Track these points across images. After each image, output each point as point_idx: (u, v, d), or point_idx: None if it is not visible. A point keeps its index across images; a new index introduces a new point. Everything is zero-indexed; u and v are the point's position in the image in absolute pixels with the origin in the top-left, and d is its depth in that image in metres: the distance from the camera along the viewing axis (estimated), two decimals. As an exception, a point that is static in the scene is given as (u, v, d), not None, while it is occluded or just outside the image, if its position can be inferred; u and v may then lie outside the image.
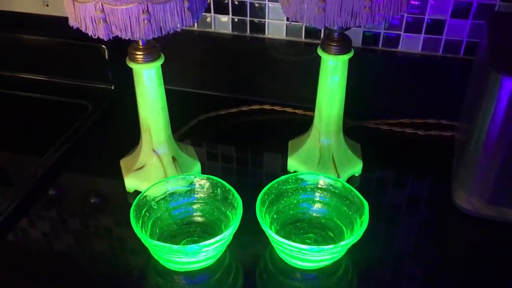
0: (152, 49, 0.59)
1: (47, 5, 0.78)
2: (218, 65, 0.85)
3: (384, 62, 0.78)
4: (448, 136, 0.76)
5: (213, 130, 0.80)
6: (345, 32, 0.61)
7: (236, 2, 0.79)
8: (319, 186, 0.61)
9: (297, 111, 0.82)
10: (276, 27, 0.80)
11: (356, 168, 0.69)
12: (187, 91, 0.87)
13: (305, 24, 0.54)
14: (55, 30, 0.79)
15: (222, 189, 0.60)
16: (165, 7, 0.51)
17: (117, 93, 0.84)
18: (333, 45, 0.61)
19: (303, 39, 0.80)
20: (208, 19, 0.82)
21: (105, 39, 0.52)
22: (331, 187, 0.61)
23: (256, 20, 0.80)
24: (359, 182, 0.69)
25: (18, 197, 0.65)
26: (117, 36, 0.52)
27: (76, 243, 0.61)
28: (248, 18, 0.81)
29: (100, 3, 0.50)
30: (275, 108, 0.83)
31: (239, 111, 0.82)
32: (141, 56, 0.59)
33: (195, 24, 0.83)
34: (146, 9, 0.50)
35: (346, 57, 0.61)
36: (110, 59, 0.82)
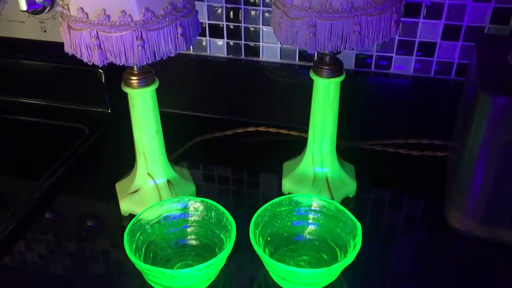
0: (147, 74, 0.60)
1: (45, 31, 0.79)
2: (214, 87, 0.86)
3: (377, 84, 0.79)
4: (442, 157, 0.77)
5: (209, 152, 0.80)
6: (337, 56, 0.62)
7: (232, 27, 0.80)
8: (313, 208, 0.61)
9: (291, 132, 0.83)
10: (270, 50, 0.82)
11: (350, 189, 0.69)
12: (183, 113, 0.88)
13: (296, 48, 0.55)
14: (53, 55, 0.80)
15: (216, 212, 0.60)
16: (159, 34, 0.52)
17: (113, 116, 0.85)
18: (325, 68, 0.62)
19: (296, 61, 0.82)
20: (204, 43, 0.83)
21: (99, 65, 0.53)
22: (324, 209, 0.61)
23: (251, 43, 0.82)
24: (353, 203, 0.70)
25: (14, 221, 0.65)
26: (112, 62, 0.53)
27: (72, 266, 0.61)
28: (243, 42, 0.82)
29: (95, 30, 0.51)
30: (270, 129, 0.84)
31: (235, 133, 0.83)
32: (135, 81, 0.60)
33: (191, 47, 0.84)
34: (140, 36, 0.52)
35: (338, 80, 0.62)
36: (107, 83, 0.83)
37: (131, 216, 0.66)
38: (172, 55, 0.55)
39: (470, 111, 0.59)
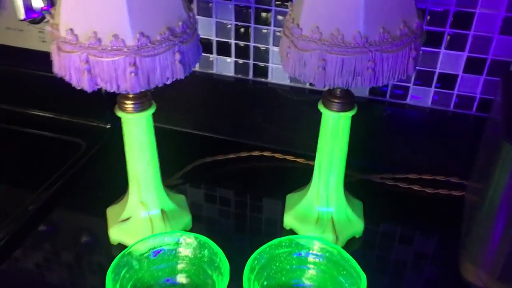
0: (143, 98, 0.56)
1: (44, 41, 0.75)
2: (219, 106, 0.81)
3: (392, 114, 0.74)
4: (458, 196, 0.72)
5: (208, 177, 0.76)
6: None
7: (241, 45, 0.76)
8: (314, 251, 0.57)
9: (298, 159, 0.78)
10: (279, 72, 0.77)
11: (357, 229, 0.65)
12: (183, 131, 0.84)
13: (304, 82, 0.50)
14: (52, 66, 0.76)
15: (210, 250, 0.56)
16: (154, 61, 0.48)
17: (113, 132, 0.81)
18: (335, 102, 0.57)
19: (307, 85, 0.77)
20: (211, 59, 0.79)
21: (88, 91, 0.49)
22: (327, 253, 0.56)
23: (260, 63, 0.77)
24: (359, 244, 0.65)
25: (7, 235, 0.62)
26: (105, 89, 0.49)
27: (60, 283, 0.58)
28: (251, 61, 0.77)
29: (85, 54, 0.47)
30: (276, 155, 0.79)
31: (238, 157, 0.79)
32: (130, 106, 0.56)
33: (197, 64, 0.80)
34: (133, 62, 0.47)
35: (349, 115, 0.58)
36: (108, 97, 0.79)
37: (120, 246, 0.62)
38: (168, 82, 0.50)
39: (493, 156, 0.53)
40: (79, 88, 0.50)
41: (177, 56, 0.49)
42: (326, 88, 0.56)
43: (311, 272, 0.57)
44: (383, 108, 0.74)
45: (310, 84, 0.77)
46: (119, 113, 0.56)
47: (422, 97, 0.72)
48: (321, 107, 0.58)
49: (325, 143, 0.60)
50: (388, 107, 0.74)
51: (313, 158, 0.76)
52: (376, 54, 0.47)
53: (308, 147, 0.77)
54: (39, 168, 0.76)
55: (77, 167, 0.75)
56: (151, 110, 0.57)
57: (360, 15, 0.46)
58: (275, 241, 0.56)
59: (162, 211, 0.63)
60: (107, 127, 0.82)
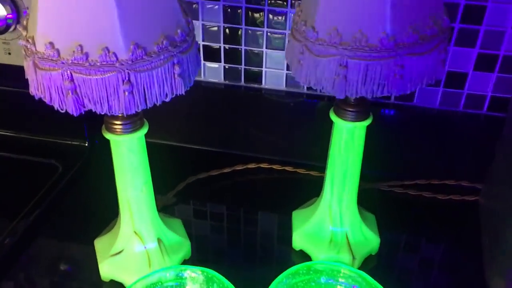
0: (134, 117, 0.49)
1: (9, 53, 0.67)
2: (208, 117, 0.75)
3: (397, 117, 0.69)
4: (471, 201, 0.67)
5: (203, 195, 0.69)
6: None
7: (232, 48, 0.69)
8: (339, 280, 0.51)
9: (298, 170, 0.72)
10: (274, 76, 0.71)
11: (373, 246, 0.59)
12: (172, 145, 0.77)
13: (321, 91, 0.44)
14: (20, 80, 0.68)
15: (219, 285, 0.50)
16: (151, 76, 0.41)
17: (92, 151, 0.74)
18: (349, 111, 0.51)
19: (305, 90, 0.71)
20: (197, 67, 0.72)
21: (75, 115, 0.42)
22: (350, 280, 0.51)
23: (252, 68, 0.71)
24: (376, 261, 0.60)
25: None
26: (91, 110, 0.42)
27: None
28: (243, 66, 0.71)
29: (68, 71, 0.40)
30: (274, 167, 0.73)
31: (233, 171, 0.72)
32: (120, 127, 0.48)
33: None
34: (127, 78, 0.40)
35: (364, 124, 0.52)
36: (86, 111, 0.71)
37: (113, 283, 0.55)
38: (167, 100, 0.43)
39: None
40: (62, 111, 0.42)
41: (177, 69, 0.42)
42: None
43: (333, 300, 0.52)
44: (388, 111, 0.69)
45: (308, 88, 0.71)
46: (108, 135, 0.49)
47: (430, 98, 0.68)
48: (333, 117, 0.53)
49: (338, 155, 0.55)
50: (392, 110, 0.69)
51: (314, 167, 0.71)
52: (405, 58, 0.42)
53: (308, 156, 0.72)
54: (12, 196, 0.67)
55: (54, 193, 0.67)
56: (144, 130, 0.50)
57: (386, 13, 0.41)
58: (292, 269, 0.51)
59: (159, 241, 0.56)
60: (85, 145, 0.74)
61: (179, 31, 0.42)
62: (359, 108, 0.51)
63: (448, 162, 0.70)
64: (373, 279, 0.49)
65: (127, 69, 0.40)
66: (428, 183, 0.70)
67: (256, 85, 0.72)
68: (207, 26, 0.69)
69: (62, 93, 0.41)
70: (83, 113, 0.42)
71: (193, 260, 0.59)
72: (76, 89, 0.41)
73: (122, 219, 0.55)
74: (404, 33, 0.41)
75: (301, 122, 0.72)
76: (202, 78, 0.73)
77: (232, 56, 0.71)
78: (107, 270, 0.56)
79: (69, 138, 0.74)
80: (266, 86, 0.72)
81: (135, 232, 0.55)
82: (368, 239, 0.59)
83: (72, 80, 0.40)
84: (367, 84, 0.43)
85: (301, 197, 0.64)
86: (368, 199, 0.65)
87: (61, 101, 0.42)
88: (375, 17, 0.41)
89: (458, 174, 0.70)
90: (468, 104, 0.67)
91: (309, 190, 0.64)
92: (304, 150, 0.73)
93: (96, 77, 0.40)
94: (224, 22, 0.68)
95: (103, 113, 0.42)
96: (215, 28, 0.69)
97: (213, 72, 0.72)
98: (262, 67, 0.71)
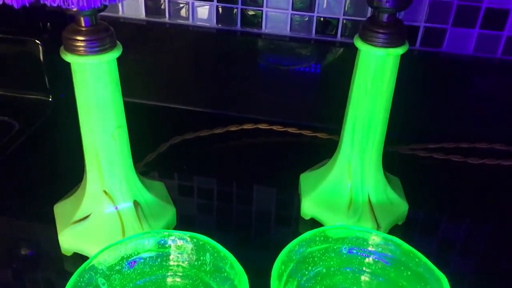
0: (102, 33, 0.37)
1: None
2: (198, 70, 0.63)
3: (422, 67, 0.59)
4: (508, 166, 0.57)
5: (192, 159, 0.58)
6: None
7: (222, -14, 0.58)
8: (367, 248, 0.40)
9: (303, 132, 0.61)
10: (276, 19, 0.60)
11: (401, 214, 0.48)
12: (154, 105, 0.65)
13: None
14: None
15: (214, 254, 0.38)
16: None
17: (56, 107, 0.62)
18: (380, 32, 0.40)
19: (313, 35, 0.60)
20: (184, 7, 0.61)
21: (16, 7, 0.30)
22: (380, 249, 0.40)
23: (250, 9, 0.60)
24: (403, 231, 0.49)
25: None
26: (43, 5, 0.30)
27: None
28: (239, 7, 0.60)
29: None
30: (274, 128, 0.62)
31: (226, 132, 0.61)
32: (82, 44, 0.37)
33: (166, 13, 0.62)
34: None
35: (399, 51, 0.41)
36: (47, 60, 0.59)
37: (76, 257, 0.43)
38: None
39: None
40: (0, 3, 0.30)
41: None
42: (371, 13, 0.39)
43: (364, 278, 0.41)
44: (411, 59, 0.58)
45: (318, 32, 0.60)
46: (67, 56, 0.37)
47: (462, 43, 0.57)
48: (358, 42, 0.42)
49: (362, 94, 0.43)
50: (417, 57, 0.58)
51: (321, 129, 0.61)
52: None
53: (315, 117, 0.61)
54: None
55: (6, 154, 0.55)
56: (116, 53, 0.38)
57: None
58: (306, 235, 0.39)
59: (136, 204, 0.44)
60: (49, 100, 0.62)
61: None
62: (392, 29, 0.40)
63: (480, 122, 0.60)
64: (414, 249, 0.38)
65: None
66: (455, 146, 0.60)
67: (255, 30, 0.61)
68: (197, -44, 0.58)
69: (-3, -27, 0.29)
70: (27, 4, 0.30)
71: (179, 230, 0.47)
72: (16, -33, 0.29)
73: (89, 176, 0.43)
74: None
75: (307, 76, 0.61)
76: (190, 22, 0.62)
77: (226, -5, 0.59)
78: (68, 241, 0.44)
79: (29, 91, 0.62)
80: (267, 31, 0.61)
81: (105, 192, 0.43)
82: (395, 204, 0.48)
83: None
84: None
85: (306, 163, 0.54)
86: (387, 163, 0.54)
87: (-4, -13, 0.30)
88: None
89: (491, 135, 0.60)
90: (507, 50, 0.57)
91: (316, 154, 0.53)
92: (310, 108, 0.62)
93: None
94: (217, -50, 0.57)
95: (55, 6, 0.30)
96: (206, -39, 0.58)
97: (203, 13, 0.61)
98: (262, 7, 0.59)
